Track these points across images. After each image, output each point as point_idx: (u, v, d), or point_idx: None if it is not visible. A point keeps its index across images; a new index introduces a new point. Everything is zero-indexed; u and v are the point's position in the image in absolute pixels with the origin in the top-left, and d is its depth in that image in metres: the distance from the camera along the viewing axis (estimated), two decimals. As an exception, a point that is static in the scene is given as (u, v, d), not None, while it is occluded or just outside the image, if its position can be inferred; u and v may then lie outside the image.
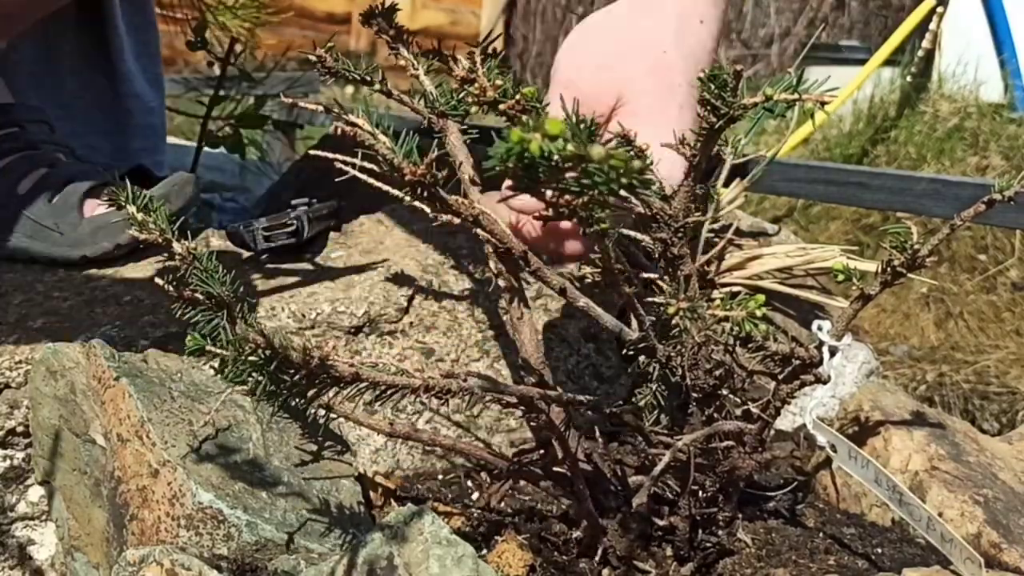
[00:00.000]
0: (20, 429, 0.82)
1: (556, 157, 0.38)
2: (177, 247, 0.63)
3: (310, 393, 0.56)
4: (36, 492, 0.83)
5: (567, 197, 0.47)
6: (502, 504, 0.80)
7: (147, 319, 0.90)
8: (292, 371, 0.53)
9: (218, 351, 0.55)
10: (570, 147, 0.37)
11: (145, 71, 1.37)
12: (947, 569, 0.69)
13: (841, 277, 0.63)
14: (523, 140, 0.38)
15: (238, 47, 1.72)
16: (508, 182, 0.45)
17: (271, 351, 0.51)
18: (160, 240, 0.64)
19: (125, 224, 0.97)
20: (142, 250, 1.01)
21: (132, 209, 0.64)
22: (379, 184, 0.64)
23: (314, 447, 0.77)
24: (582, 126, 0.38)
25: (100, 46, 1.30)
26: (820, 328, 0.66)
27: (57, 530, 0.82)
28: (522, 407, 0.68)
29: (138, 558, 0.64)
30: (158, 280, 0.64)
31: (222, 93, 1.76)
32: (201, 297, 0.63)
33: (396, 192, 0.60)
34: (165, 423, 0.72)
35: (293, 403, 0.58)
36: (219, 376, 0.55)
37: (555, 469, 0.74)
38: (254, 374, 0.53)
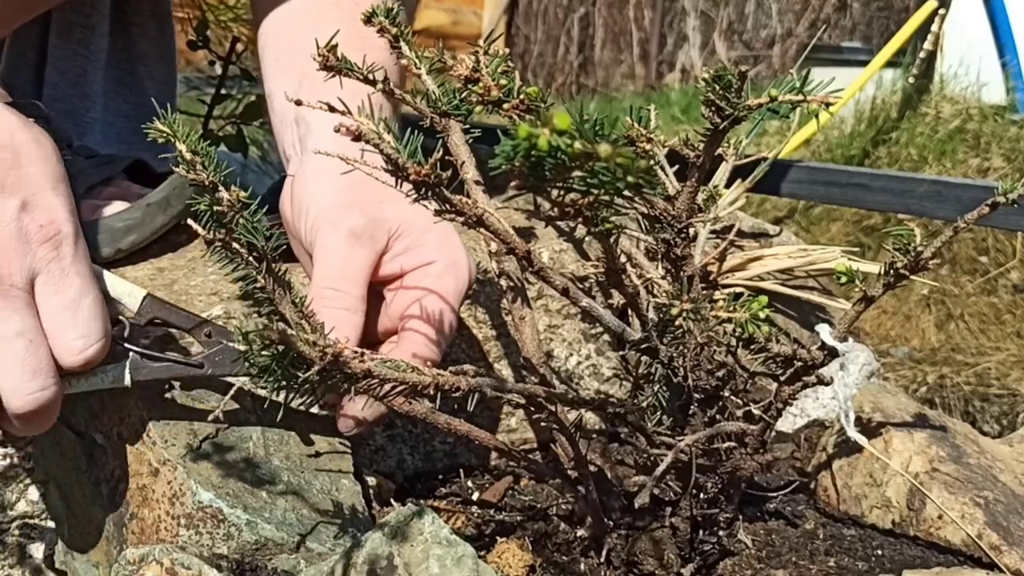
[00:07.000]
0: (20, 427, 0.82)
1: (563, 154, 0.38)
2: (224, 193, 0.62)
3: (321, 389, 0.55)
4: (36, 491, 0.83)
5: (572, 196, 0.47)
6: (503, 504, 0.80)
7: (148, 318, 0.90)
8: (305, 367, 0.52)
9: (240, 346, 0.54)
10: (577, 144, 0.37)
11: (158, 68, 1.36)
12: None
13: (844, 279, 0.63)
14: (531, 135, 0.38)
15: (239, 46, 1.72)
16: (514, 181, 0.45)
17: (285, 346, 0.51)
18: (207, 183, 0.62)
19: (125, 228, 0.97)
20: (141, 252, 1.01)
21: (182, 147, 0.62)
22: (382, 182, 0.63)
23: (314, 446, 0.77)
24: (588, 125, 0.38)
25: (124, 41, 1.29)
26: (823, 330, 0.66)
27: (56, 529, 0.82)
28: (529, 405, 0.67)
29: (138, 557, 0.64)
30: (191, 223, 0.61)
31: (223, 92, 1.75)
32: (242, 249, 0.62)
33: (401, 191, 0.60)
34: (165, 422, 0.72)
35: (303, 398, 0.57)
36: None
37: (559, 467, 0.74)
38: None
